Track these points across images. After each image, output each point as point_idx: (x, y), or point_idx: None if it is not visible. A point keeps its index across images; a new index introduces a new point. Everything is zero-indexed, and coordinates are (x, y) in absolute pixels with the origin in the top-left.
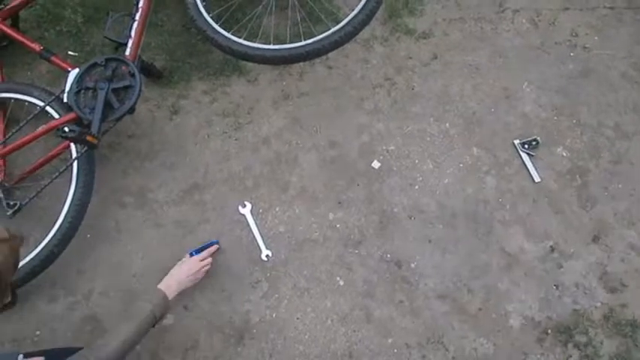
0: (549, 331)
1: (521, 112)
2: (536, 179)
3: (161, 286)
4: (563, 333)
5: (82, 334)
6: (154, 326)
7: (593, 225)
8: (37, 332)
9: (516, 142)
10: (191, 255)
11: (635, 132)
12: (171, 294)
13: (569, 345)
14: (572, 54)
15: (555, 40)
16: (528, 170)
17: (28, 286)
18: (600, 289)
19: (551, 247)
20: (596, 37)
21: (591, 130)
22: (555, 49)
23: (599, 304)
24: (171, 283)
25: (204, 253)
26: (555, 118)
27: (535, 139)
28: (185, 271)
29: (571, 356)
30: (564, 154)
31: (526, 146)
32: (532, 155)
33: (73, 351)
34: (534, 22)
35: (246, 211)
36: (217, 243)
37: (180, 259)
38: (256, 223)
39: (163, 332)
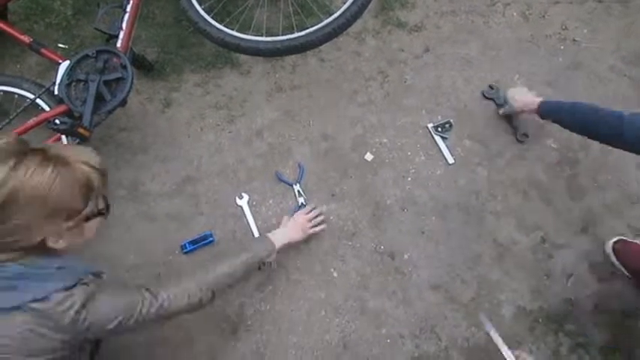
0: (540, 320)
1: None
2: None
3: (268, 235)
4: (554, 322)
5: None
6: (259, 268)
7: (582, 215)
8: None
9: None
10: (184, 247)
11: None
12: (276, 241)
13: (560, 334)
14: (562, 47)
15: (546, 33)
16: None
17: None
18: (590, 279)
19: (541, 237)
20: (585, 31)
21: None
22: (545, 42)
23: (589, 293)
24: (276, 232)
25: (312, 213)
26: None
27: (525, 134)
28: (292, 224)
29: (562, 344)
30: (554, 146)
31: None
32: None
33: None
34: (525, 16)
35: (243, 202)
36: (211, 235)
37: (173, 253)
38: (252, 215)
39: (157, 326)
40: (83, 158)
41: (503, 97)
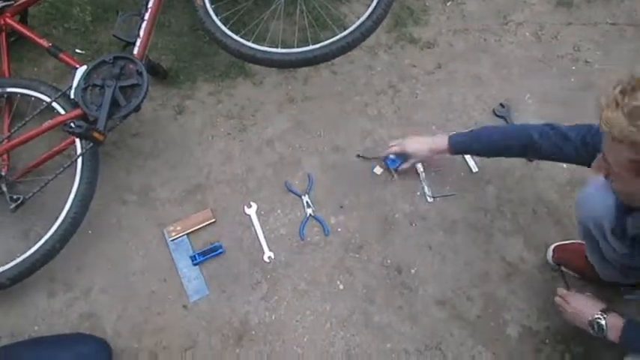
0: (547, 340)
1: (524, 123)
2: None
3: None
4: (561, 343)
5: (79, 330)
6: None
7: None
8: (36, 327)
9: None
10: (193, 259)
11: None
12: None
13: (567, 355)
14: (574, 67)
15: (558, 53)
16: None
17: (27, 281)
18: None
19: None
20: (598, 52)
21: None
22: (557, 62)
23: (597, 315)
24: None
25: None
26: None
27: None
28: None
29: None
30: (564, 166)
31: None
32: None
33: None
34: (537, 36)
35: (251, 211)
36: (221, 247)
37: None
38: (259, 224)
39: (161, 331)
40: None
41: (399, 160)
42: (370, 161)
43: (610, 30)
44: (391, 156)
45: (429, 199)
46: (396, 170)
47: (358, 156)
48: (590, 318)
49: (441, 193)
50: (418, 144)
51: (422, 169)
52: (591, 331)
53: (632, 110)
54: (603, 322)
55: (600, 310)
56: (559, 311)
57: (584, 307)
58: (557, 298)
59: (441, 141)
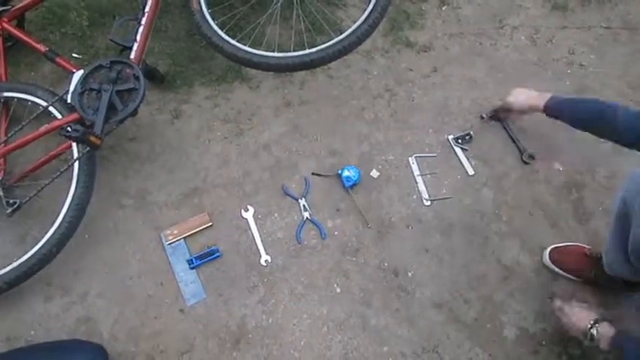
0: (544, 342)
1: (519, 127)
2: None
3: None
4: (558, 345)
5: (76, 334)
6: None
7: (588, 239)
8: (32, 332)
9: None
10: (190, 262)
11: None
12: None
13: (564, 357)
14: (569, 71)
15: (553, 56)
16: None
17: (24, 285)
18: (594, 302)
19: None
20: (592, 56)
21: (587, 145)
22: (552, 65)
23: (593, 317)
24: None
25: None
26: (552, 132)
27: (531, 155)
28: None
29: None
30: (560, 168)
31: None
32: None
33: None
34: (532, 39)
35: (248, 215)
36: (217, 250)
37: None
38: (256, 228)
39: (158, 335)
40: None
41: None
42: (328, 178)
43: (604, 34)
44: (346, 174)
45: (426, 202)
46: (351, 188)
47: (313, 174)
48: (583, 329)
49: (437, 196)
50: (523, 95)
51: (418, 172)
52: (585, 342)
53: None
54: (595, 331)
55: (592, 321)
56: (557, 320)
57: (578, 319)
58: (554, 306)
59: (541, 99)
